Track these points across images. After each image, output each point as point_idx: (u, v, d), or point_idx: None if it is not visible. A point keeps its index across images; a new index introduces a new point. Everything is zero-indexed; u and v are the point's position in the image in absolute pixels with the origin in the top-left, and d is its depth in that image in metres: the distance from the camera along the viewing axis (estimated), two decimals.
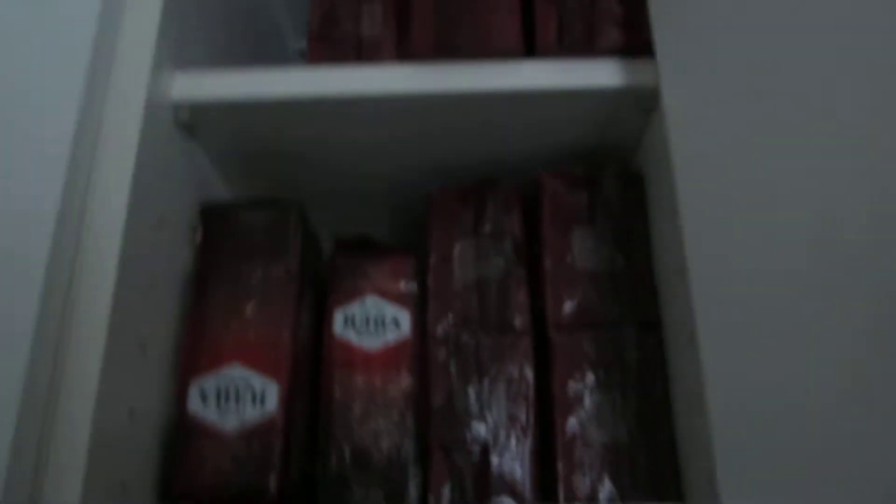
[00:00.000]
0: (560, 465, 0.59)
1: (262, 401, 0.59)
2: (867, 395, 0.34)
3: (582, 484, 0.59)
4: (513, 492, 0.60)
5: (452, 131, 0.68)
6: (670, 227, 0.58)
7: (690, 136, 0.55)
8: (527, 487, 0.60)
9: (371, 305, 0.69)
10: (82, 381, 0.50)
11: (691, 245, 0.53)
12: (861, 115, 0.36)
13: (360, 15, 0.71)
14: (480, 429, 0.62)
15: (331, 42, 0.70)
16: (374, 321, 0.68)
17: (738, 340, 0.47)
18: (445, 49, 0.62)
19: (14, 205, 0.53)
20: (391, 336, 0.67)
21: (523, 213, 0.69)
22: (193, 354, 0.61)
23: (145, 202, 0.58)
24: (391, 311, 0.68)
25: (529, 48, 0.64)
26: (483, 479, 0.60)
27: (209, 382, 0.60)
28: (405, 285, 0.69)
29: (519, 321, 0.65)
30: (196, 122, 0.65)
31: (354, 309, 0.68)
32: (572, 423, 0.60)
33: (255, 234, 0.66)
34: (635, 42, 0.62)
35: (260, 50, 0.93)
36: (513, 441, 0.61)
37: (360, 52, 0.70)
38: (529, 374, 0.64)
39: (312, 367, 0.66)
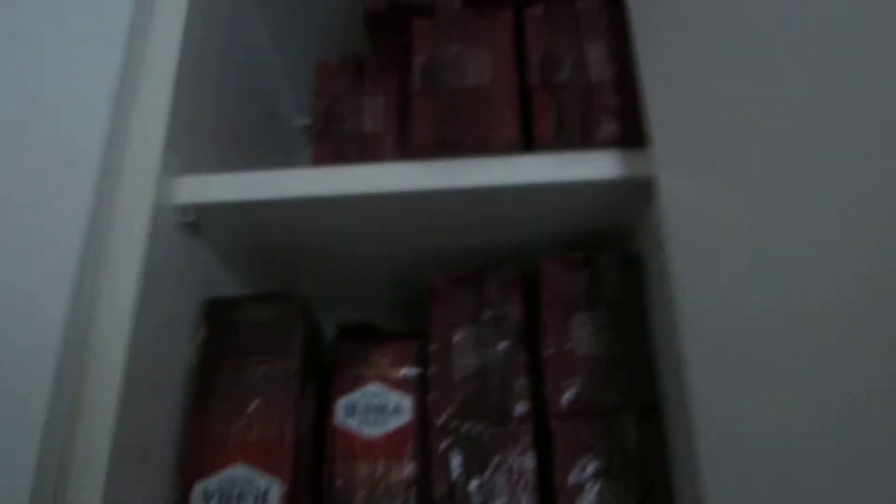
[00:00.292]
0: None
1: (265, 500, 0.59)
2: None
3: None
4: None
5: (453, 222, 0.69)
6: (667, 313, 0.59)
7: (686, 226, 0.56)
8: None
9: (373, 393, 0.69)
10: (85, 490, 0.50)
11: (686, 332, 0.54)
12: (858, 201, 0.36)
13: (362, 108, 0.73)
14: None
15: (333, 138, 0.72)
16: (376, 409, 0.68)
17: (735, 431, 0.47)
18: (446, 145, 0.63)
19: (23, 308, 0.54)
20: (393, 423, 0.67)
21: (524, 298, 0.70)
22: (196, 456, 0.61)
23: (152, 304, 0.59)
24: (394, 398, 0.69)
25: (528, 142, 0.65)
26: None
27: (212, 485, 0.60)
28: (407, 371, 0.69)
29: (520, 409, 0.66)
30: (201, 221, 0.66)
31: (356, 397, 0.69)
32: None
33: (258, 330, 0.67)
34: (631, 134, 0.64)
35: (262, 126, 0.95)
36: None
37: (363, 146, 0.71)
38: (531, 463, 0.63)
39: (315, 459, 0.66)
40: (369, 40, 0.74)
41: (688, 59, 0.56)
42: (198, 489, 0.60)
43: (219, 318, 0.68)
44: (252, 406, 0.63)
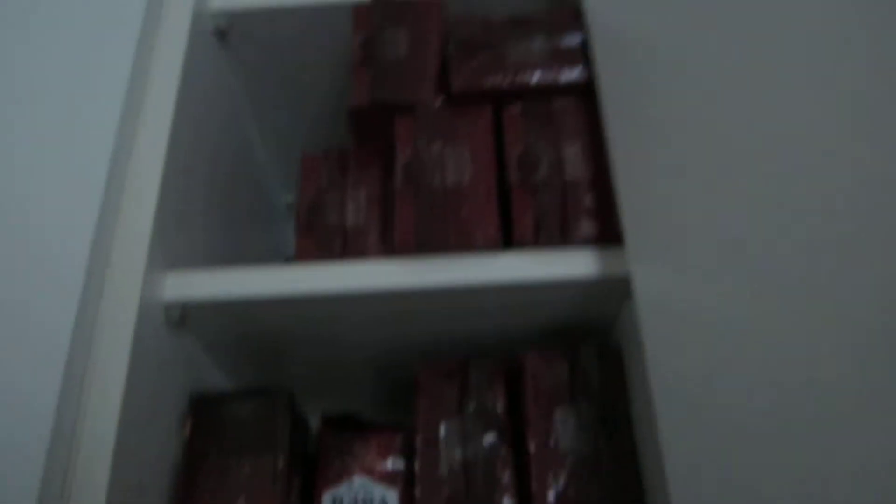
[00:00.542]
0: None
1: None
2: None
3: None
4: None
5: (436, 316, 0.70)
6: (645, 406, 0.60)
7: (659, 320, 0.57)
8: None
9: (359, 486, 0.69)
10: None
11: (663, 424, 0.54)
12: (818, 294, 0.37)
13: (345, 202, 0.74)
14: None
15: (318, 231, 0.73)
16: (362, 503, 0.68)
17: None
18: (427, 244, 0.65)
19: (13, 404, 0.55)
20: None
21: (507, 389, 0.71)
22: None
23: (138, 400, 0.60)
24: (379, 491, 0.69)
25: (507, 238, 0.67)
26: None
27: None
28: (392, 463, 0.70)
29: None
30: (187, 316, 0.67)
31: (342, 491, 0.69)
32: None
33: (243, 427, 0.67)
34: (609, 232, 0.65)
35: (248, 207, 0.97)
36: None
37: (346, 239, 0.72)
38: None
39: None
40: (353, 135, 0.75)
41: (656, 161, 0.57)
42: None
43: (204, 414, 0.68)
44: None
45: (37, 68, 0.69)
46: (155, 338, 0.65)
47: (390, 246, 0.70)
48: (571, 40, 0.72)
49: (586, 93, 0.70)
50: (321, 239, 0.73)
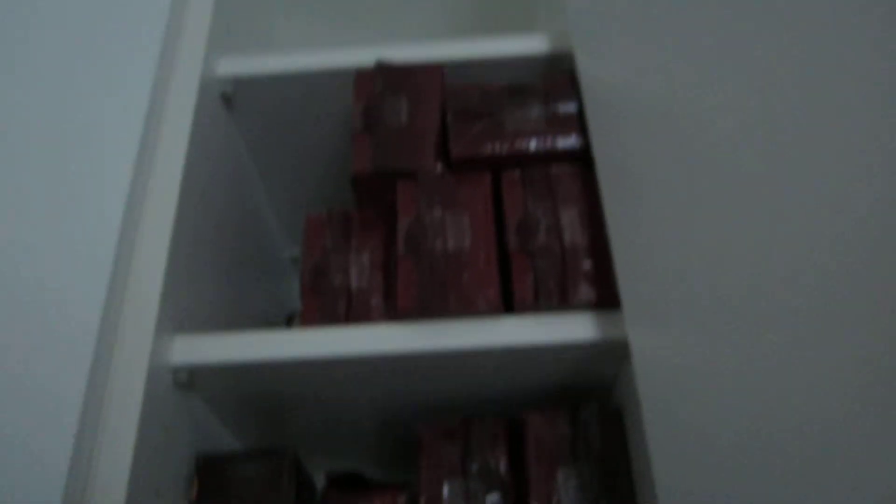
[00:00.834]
0: None
1: None
2: None
3: None
4: None
5: (439, 377, 0.71)
6: (645, 466, 0.61)
7: (655, 381, 0.59)
8: None
9: None
10: None
11: (662, 485, 0.55)
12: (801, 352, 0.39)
13: (349, 265, 0.76)
14: None
15: (322, 293, 0.74)
16: None
17: None
18: (429, 309, 0.66)
19: (24, 467, 0.56)
20: None
21: (509, 448, 0.72)
22: None
23: (147, 461, 0.61)
24: None
25: (508, 303, 0.68)
26: None
27: None
28: None
29: None
30: (194, 380, 0.69)
31: None
32: None
33: (250, 488, 0.68)
34: (607, 296, 0.67)
35: (256, 261, 0.98)
36: None
37: (350, 301, 0.74)
38: None
39: None
40: (356, 198, 0.77)
41: (649, 227, 0.59)
42: None
43: (211, 475, 0.69)
44: None
45: (50, 130, 0.71)
46: (163, 400, 0.66)
47: (394, 307, 0.71)
48: (568, 107, 0.74)
49: (583, 159, 0.72)
50: (326, 300, 0.74)
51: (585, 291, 0.67)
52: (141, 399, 0.61)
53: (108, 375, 0.62)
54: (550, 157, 0.73)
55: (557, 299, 0.67)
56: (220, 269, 0.83)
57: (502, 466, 0.71)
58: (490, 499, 0.69)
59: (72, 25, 0.77)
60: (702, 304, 0.51)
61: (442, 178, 0.72)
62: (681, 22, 0.54)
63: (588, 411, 0.71)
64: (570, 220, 0.69)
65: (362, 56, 0.81)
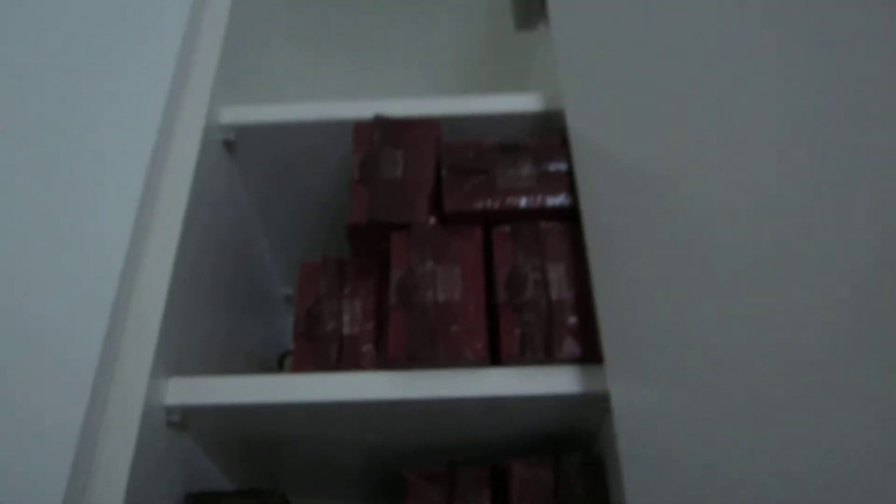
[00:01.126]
0: None
1: None
2: None
3: None
4: None
5: (426, 424, 0.73)
6: None
7: (636, 437, 0.60)
8: None
9: None
10: None
11: None
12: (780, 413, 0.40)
13: (342, 312, 0.78)
14: None
15: (315, 338, 0.77)
16: None
17: None
18: (418, 359, 0.68)
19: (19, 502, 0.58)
20: None
21: (494, 494, 0.73)
22: None
23: (140, 499, 0.62)
24: None
25: (495, 354, 0.70)
26: None
27: None
28: None
29: None
30: (187, 420, 0.70)
31: None
32: None
33: None
34: (591, 351, 0.69)
35: (251, 299, 1.00)
36: None
37: (342, 347, 0.76)
38: None
39: None
40: (351, 246, 0.80)
41: (632, 284, 0.62)
42: None
43: None
44: None
45: (56, 171, 0.73)
46: (156, 438, 0.68)
47: (385, 353, 0.73)
48: (558, 166, 0.77)
49: (572, 216, 0.75)
50: (319, 346, 0.76)
51: (570, 347, 0.69)
52: (135, 437, 0.63)
53: (104, 413, 0.64)
54: (540, 213, 0.75)
55: (543, 354, 0.69)
56: (215, 308, 0.86)
57: None
58: None
59: (83, 72, 0.80)
60: (687, 362, 0.53)
61: (434, 231, 0.75)
62: (669, 87, 0.57)
63: (570, 460, 0.73)
64: (558, 276, 0.72)
65: (361, 108, 0.84)
